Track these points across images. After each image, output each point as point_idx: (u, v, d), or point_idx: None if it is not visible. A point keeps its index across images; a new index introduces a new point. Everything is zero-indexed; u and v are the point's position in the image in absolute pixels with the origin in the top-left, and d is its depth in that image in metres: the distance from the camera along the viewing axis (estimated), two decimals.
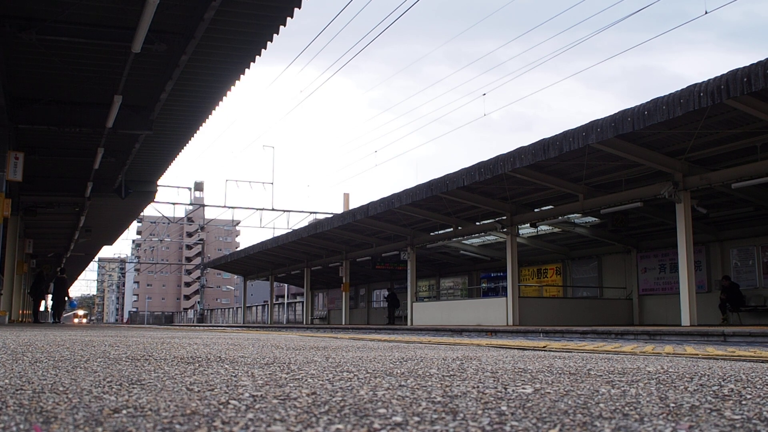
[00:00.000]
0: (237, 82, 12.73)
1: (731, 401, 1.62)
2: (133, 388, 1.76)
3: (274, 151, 41.17)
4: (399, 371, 2.39)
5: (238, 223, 55.26)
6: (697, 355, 3.81)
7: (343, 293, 29.40)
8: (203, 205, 38.20)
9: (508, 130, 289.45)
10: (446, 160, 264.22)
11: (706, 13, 13.08)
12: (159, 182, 21.12)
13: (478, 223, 20.87)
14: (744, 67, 9.86)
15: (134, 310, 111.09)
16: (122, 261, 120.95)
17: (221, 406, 1.43)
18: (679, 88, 10.97)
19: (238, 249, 50.05)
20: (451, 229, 21.94)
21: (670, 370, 2.52)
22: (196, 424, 1.23)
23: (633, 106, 11.67)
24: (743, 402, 1.61)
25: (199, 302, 61.84)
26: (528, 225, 19.07)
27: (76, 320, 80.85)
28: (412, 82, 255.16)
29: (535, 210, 18.73)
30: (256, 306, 52.11)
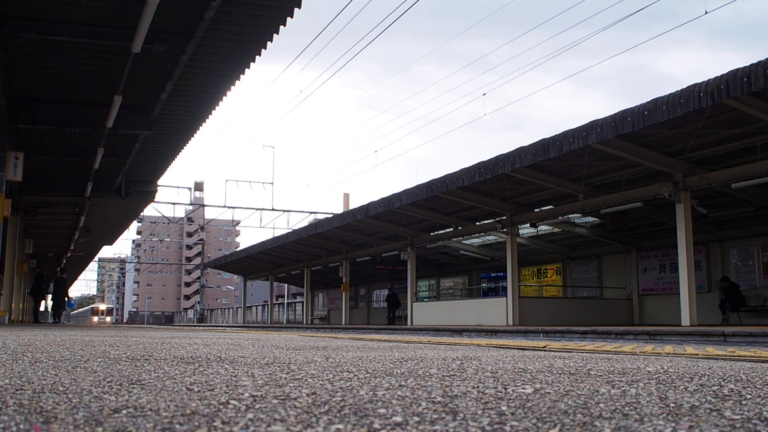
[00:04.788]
0: (237, 82, 12.74)
1: (731, 401, 1.62)
2: (133, 388, 1.76)
3: (274, 151, 41.20)
4: (399, 371, 2.39)
5: (238, 223, 55.21)
6: (697, 355, 3.81)
7: (343, 293, 29.40)
8: (203, 205, 38.19)
9: (501, 129, 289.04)
10: (444, 160, 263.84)
11: (706, 12, 13.09)
12: (159, 182, 21.12)
13: (478, 223, 20.86)
14: (744, 67, 9.86)
15: (134, 310, 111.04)
16: (122, 261, 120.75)
17: (221, 406, 1.43)
18: (676, 88, 10.97)
19: (238, 249, 50.04)
20: (451, 229, 21.93)
21: (670, 370, 2.52)
22: (196, 424, 1.22)
23: (633, 106, 11.66)
24: (743, 402, 1.61)
25: (199, 302, 61.79)
26: (528, 225, 19.07)
27: (96, 319, 65.60)
28: (400, 81, 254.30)
29: (535, 210, 18.73)
30: (256, 306, 52.09)
